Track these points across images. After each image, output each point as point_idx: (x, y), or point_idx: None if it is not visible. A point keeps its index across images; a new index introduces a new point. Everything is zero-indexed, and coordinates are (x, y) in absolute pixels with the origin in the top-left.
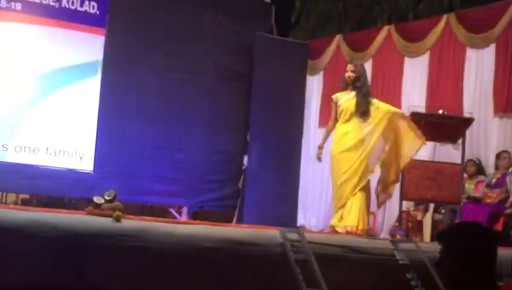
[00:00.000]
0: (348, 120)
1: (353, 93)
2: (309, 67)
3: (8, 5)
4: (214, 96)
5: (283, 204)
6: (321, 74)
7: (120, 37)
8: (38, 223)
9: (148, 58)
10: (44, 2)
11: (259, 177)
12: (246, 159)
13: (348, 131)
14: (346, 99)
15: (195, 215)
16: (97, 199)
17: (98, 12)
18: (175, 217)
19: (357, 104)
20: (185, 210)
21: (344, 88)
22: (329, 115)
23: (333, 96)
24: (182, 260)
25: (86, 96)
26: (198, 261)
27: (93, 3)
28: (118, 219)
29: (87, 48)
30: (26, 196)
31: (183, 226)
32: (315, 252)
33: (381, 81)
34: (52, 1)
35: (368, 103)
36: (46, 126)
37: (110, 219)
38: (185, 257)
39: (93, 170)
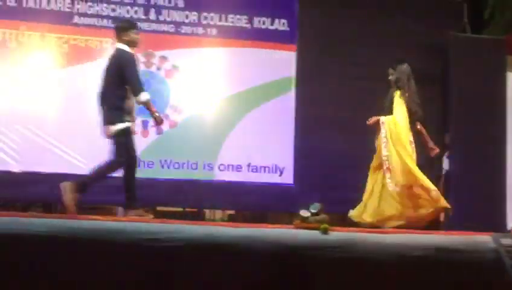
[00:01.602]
0: None
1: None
2: (508, 64)
3: (204, 31)
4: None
5: (490, 207)
6: None
7: (311, 51)
8: (250, 238)
9: (339, 69)
10: (237, 24)
11: (462, 180)
12: (445, 162)
13: None
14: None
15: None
16: (303, 213)
17: (288, 29)
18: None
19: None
20: None
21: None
22: None
23: None
24: (390, 269)
25: (282, 111)
26: (406, 270)
27: (283, 20)
28: (325, 231)
29: (280, 64)
30: (232, 212)
31: (392, 236)
32: None
33: None
34: (245, 23)
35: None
36: (246, 144)
37: (317, 232)
38: (393, 266)
39: (294, 183)
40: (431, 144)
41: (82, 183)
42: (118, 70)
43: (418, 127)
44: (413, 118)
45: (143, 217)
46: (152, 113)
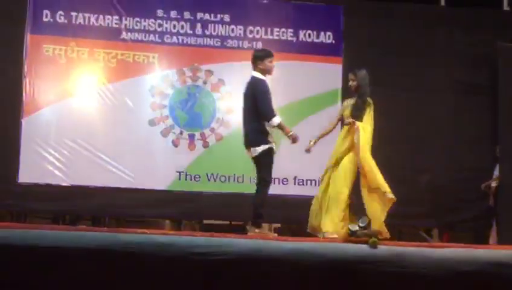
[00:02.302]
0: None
1: (354, 100)
2: None
3: (249, 45)
4: (456, 113)
5: None
6: None
7: (357, 63)
8: (298, 252)
9: (386, 81)
10: (282, 38)
11: None
12: (496, 174)
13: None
14: (347, 105)
15: (447, 237)
16: (351, 226)
17: (333, 41)
18: (426, 240)
19: (353, 109)
20: (435, 232)
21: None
22: None
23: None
24: (440, 284)
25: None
26: (456, 285)
27: (328, 33)
28: (373, 245)
29: (326, 77)
30: (278, 225)
31: (441, 250)
32: None
33: None
34: (290, 36)
35: (364, 110)
36: (293, 157)
37: (366, 246)
38: (442, 281)
39: None
40: None
41: (256, 216)
42: (252, 97)
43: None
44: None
45: (259, 235)
46: (286, 134)
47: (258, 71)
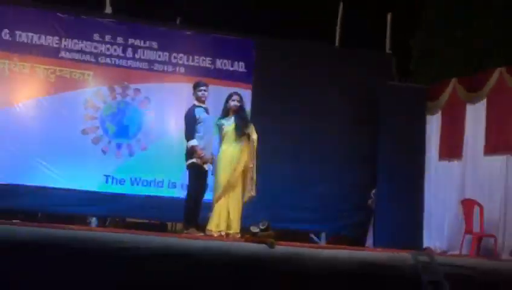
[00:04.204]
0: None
1: (233, 118)
2: (428, 108)
3: (173, 69)
4: (345, 138)
5: (410, 229)
6: (439, 113)
7: (264, 90)
8: (206, 249)
9: (288, 107)
10: (202, 64)
11: (387, 206)
12: (374, 190)
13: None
14: (229, 124)
15: (332, 239)
16: (253, 228)
17: (245, 70)
18: (315, 242)
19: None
20: (323, 235)
21: (225, 114)
22: (447, 149)
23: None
24: (326, 280)
25: None
26: (340, 281)
27: (241, 63)
28: (271, 245)
29: None
30: None
31: (328, 251)
32: (445, 273)
33: (496, 118)
34: (208, 64)
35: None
36: None
37: (265, 245)
38: (328, 277)
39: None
40: None
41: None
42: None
43: None
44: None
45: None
46: (198, 156)
47: (195, 98)
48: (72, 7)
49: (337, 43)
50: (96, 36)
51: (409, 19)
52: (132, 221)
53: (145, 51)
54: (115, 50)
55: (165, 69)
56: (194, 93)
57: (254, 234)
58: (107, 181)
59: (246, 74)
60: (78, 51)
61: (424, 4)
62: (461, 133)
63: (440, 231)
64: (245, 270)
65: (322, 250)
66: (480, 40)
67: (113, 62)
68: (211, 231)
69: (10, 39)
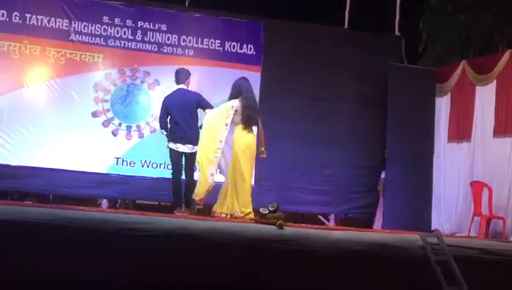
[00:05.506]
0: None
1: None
2: (437, 90)
3: (182, 51)
4: (354, 120)
5: (418, 211)
6: (449, 95)
7: (273, 72)
8: (216, 230)
9: (297, 89)
10: (211, 47)
11: (396, 188)
12: (384, 172)
13: None
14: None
15: (341, 221)
16: (262, 210)
17: (254, 53)
18: (323, 223)
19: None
20: (332, 217)
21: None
22: (456, 131)
23: None
24: (335, 260)
25: None
26: (349, 261)
27: (250, 45)
28: (280, 227)
29: None
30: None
31: (337, 232)
32: (453, 254)
33: (505, 100)
34: (217, 46)
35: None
36: None
37: (274, 227)
38: (337, 257)
39: (254, 185)
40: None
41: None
42: None
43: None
44: None
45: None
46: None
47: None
48: None
49: (346, 26)
50: (105, 19)
51: (418, 3)
52: (142, 203)
53: (154, 34)
54: (125, 33)
55: (174, 51)
56: None
57: (263, 215)
58: (117, 163)
59: (255, 56)
60: (87, 34)
61: None
62: (470, 115)
63: (449, 213)
64: (254, 251)
65: (331, 231)
66: (486, 23)
67: (122, 45)
68: (215, 212)
69: (20, 22)
